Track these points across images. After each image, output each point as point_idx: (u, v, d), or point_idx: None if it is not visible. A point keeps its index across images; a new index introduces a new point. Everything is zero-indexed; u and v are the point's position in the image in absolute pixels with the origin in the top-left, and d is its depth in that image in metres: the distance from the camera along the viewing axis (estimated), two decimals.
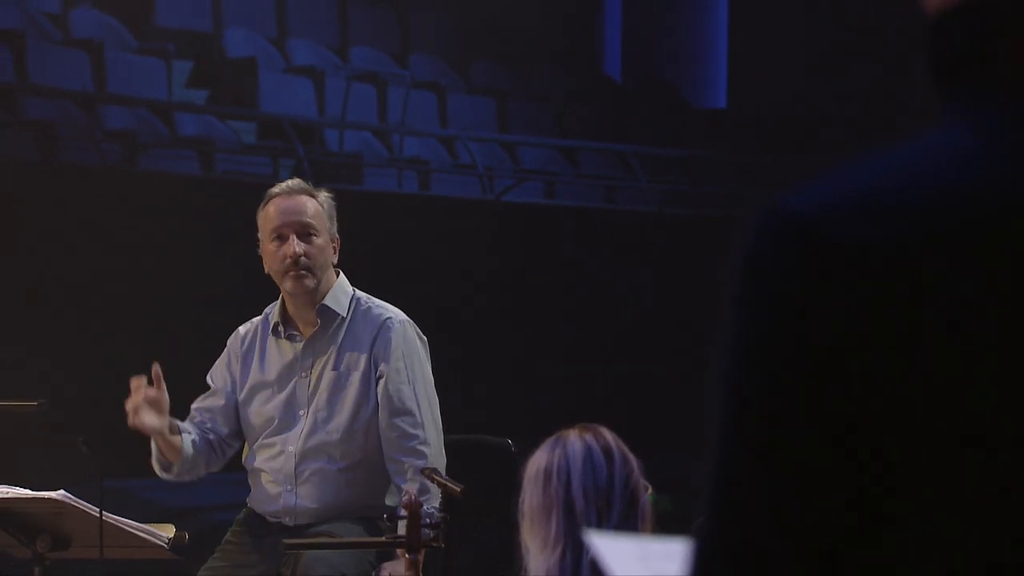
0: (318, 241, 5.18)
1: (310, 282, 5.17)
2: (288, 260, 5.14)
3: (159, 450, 5.19)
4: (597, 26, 15.22)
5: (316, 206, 5.22)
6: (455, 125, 12.13)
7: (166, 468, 5.24)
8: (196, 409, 5.36)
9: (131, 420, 5.01)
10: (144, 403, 4.99)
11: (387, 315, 5.24)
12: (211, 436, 5.31)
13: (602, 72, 15.06)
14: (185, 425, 5.24)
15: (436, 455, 5.16)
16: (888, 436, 1.16)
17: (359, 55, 12.34)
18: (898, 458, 1.16)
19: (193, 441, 5.22)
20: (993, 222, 1.14)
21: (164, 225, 8.94)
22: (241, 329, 5.40)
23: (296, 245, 5.13)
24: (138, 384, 4.99)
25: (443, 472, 5.00)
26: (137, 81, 10.73)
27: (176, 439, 5.15)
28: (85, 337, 8.41)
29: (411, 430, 5.14)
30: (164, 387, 5.02)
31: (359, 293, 5.30)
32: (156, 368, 5.00)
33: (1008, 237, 1.14)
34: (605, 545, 2.64)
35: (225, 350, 5.40)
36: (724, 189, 12.06)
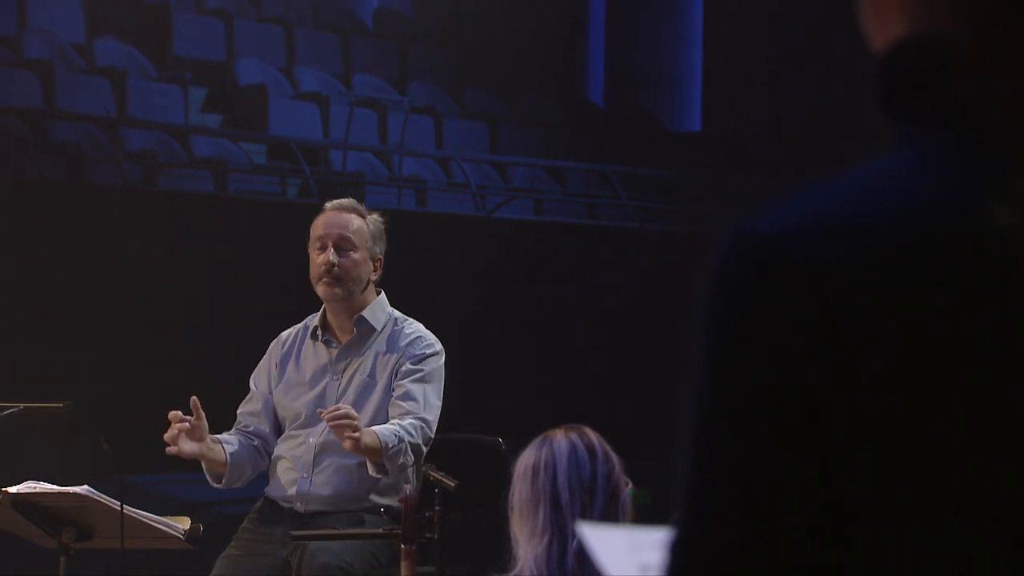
0: (354, 255, 5.20)
1: (339, 291, 5.19)
2: (322, 268, 5.18)
3: (207, 467, 5.21)
4: (581, 56, 15.24)
5: (361, 224, 5.25)
6: (450, 147, 12.14)
7: (217, 480, 5.27)
8: (241, 413, 5.38)
9: (168, 450, 5.02)
10: (182, 434, 5.00)
11: (420, 333, 5.27)
12: (255, 441, 5.32)
13: (586, 98, 15.07)
14: (229, 438, 5.25)
15: (428, 433, 5.15)
16: (848, 443, 1.16)
17: (361, 82, 12.34)
18: (857, 464, 1.16)
19: (236, 452, 5.23)
20: (941, 241, 1.16)
21: (180, 239, 8.93)
22: (283, 334, 5.43)
23: (331, 255, 5.17)
24: (175, 416, 4.99)
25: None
26: (156, 106, 10.73)
27: (219, 455, 5.16)
28: (107, 343, 8.39)
29: (413, 410, 5.15)
30: (203, 416, 5.02)
31: (397, 313, 5.33)
32: (194, 400, 5.01)
33: (954, 254, 1.16)
34: (595, 535, 2.62)
35: (267, 353, 5.42)
36: (698, 207, 12.06)
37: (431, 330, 5.34)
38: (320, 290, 5.23)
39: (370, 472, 5.10)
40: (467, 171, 11.73)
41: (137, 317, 8.49)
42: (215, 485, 5.29)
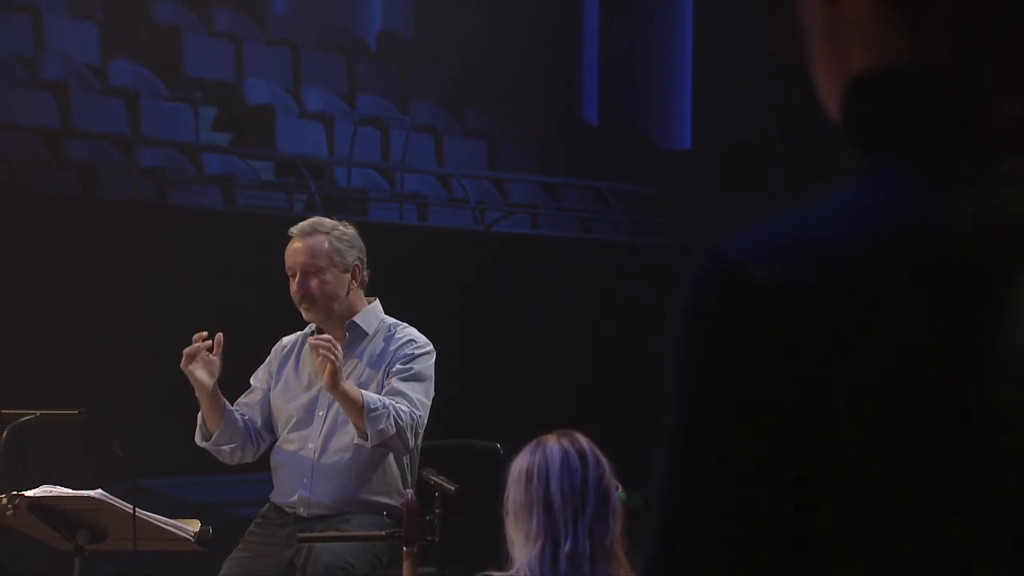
0: (324, 277, 5.20)
1: (315, 314, 5.23)
2: (296, 295, 5.20)
3: (202, 417, 5.21)
4: (576, 77, 15.26)
5: (324, 243, 5.23)
6: (450, 164, 12.14)
7: (206, 437, 5.26)
8: (237, 404, 5.38)
9: (183, 364, 5.06)
10: (199, 357, 5.04)
11: (411, 336, 5.27)
12: (249, 426, 5.32)
13: (580, 117, 15.08)
14: (229, 406, 5.26)
15: (416, 424, 5.12)
16: (815, 459, 1.16)
17: (365, 102, 12.35)
18: (827, 476, 1.16)
19: (233, 417, 5.24)
20: (906, 263, 1.17)
21: (191, 252, 8.93)
22: (285, 339, 5.46)
23: (298, 284, 5.19)
24: (199, 337, 5.04)
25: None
26: (168, 125, 10.74)
27: (220, 405, 5.18)
28: (120, 353, 8.39)
29: (400, 401, 5.13)
30: (220, 354, 5.09)
31: (391, 320, 5.33)
32: (219, 336, 5.08)
33: (918, 275, 1.17)
34: None
35: (269, 355, 5.43)
36: (688, 221, 12.07)
37: (430, 339, 5.33)
38: (302, 314, 5.27)
39: (355, 440, 5.09)
40: (466, 187, 11.74)
41: (148, 327, 8.49)
42: (203, 444, 5.27)
